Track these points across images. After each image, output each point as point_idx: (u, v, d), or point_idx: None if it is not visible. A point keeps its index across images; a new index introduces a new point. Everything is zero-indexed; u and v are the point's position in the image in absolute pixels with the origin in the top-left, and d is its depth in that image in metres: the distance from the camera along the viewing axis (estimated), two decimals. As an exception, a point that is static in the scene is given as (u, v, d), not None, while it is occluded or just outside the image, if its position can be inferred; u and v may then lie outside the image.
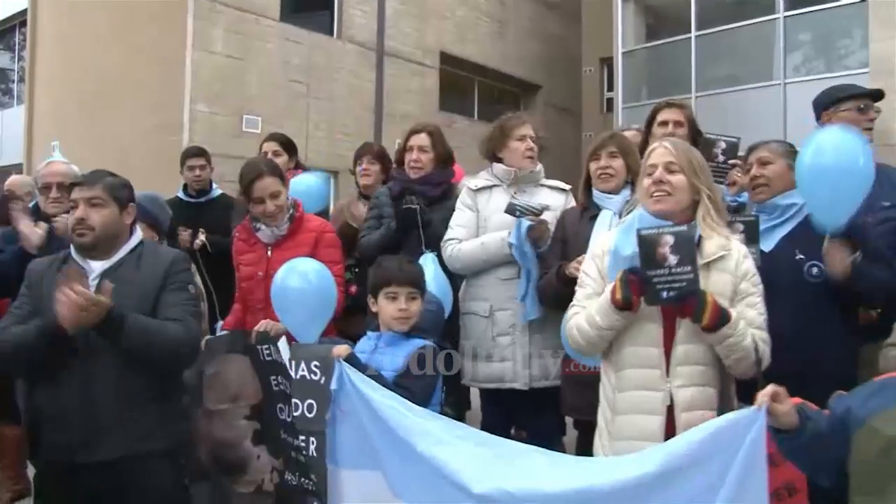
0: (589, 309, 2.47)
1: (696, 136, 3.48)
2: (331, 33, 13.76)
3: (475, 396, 3.89)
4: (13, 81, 18.64)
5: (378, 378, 2.49)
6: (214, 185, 5.28)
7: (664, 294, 2.27)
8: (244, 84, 12.22)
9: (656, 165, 2.47)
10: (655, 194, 2.45)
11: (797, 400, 1.89)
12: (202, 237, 4.67)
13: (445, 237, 3.52)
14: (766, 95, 13.02)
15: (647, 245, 2.28)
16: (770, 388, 1.86)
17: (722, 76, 13.61)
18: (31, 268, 2.82)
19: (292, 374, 2.65)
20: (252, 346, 3.03)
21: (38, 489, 2.81)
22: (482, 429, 3.38)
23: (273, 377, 2.90)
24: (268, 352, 2.94)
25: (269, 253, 3.44)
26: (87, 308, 2.42)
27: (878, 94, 3.29)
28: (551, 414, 3.49)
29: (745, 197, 3.27)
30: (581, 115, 18.85)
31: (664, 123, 3.55)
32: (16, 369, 2.91)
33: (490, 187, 3.52)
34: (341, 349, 2.51)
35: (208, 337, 3.24)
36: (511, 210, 3.24)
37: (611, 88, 17.00)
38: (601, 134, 3.44)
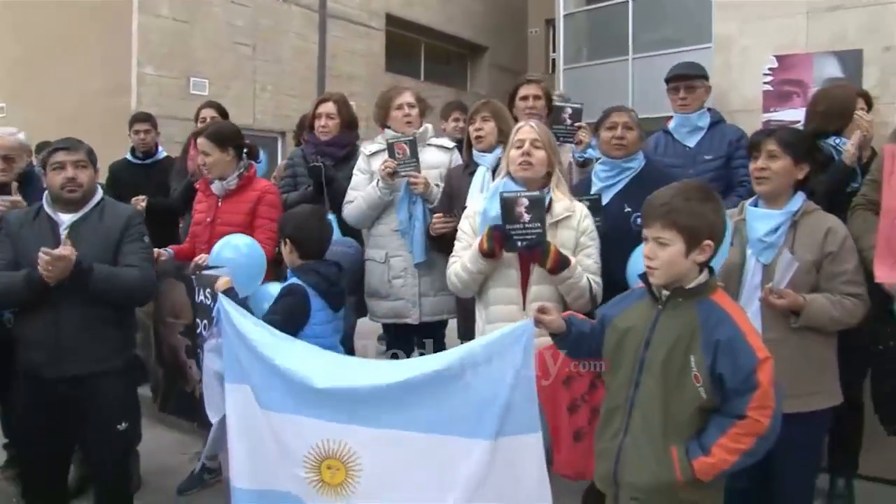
0: (463, 258, 3.14)
1: (550, 107, 4.13)
2: (276, -5, 14.08)
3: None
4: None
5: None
6: (160, 148, 5.81)
7: (519, 244, 2.96)
8: (191, 47, 12.53)
9: (524, 140, 3.14)
10: (521, 164, 3.10)
11: (568, 312, 2.56)
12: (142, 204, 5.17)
13: (345, 199, 4.13)
14: (698, 58, 13.70)
15: (508, 205, 2.95)
16: (537, 304, 2.54)
17: (657, 39, 14.20)
18: (9, 219, 3.43)
19: (196, 299, 3.29)
20: (187, 276, 3.65)
21: (14, 401, 3.43)
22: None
23: (198, 293, 3.49)
24: (194, 282, 3.54)
25: (219, 203, 4.08)
26: (55, 265, 3.02)
27: (681, 77, 3.93)
28: (439, 343, 4.14)
29: (590, 153, 3.91)
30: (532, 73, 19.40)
31: (525, 98, 4.17)
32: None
33: (382, 151, 4.12)
34: (221, 283, 3.12)
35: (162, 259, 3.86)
36: (389, 148, 3.90)
37: (556, 49, 17.56)
38: (477, 102, 4.04)
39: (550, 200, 3.09)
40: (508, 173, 3.18)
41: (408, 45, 17.54)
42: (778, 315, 2.68)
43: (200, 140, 4.05)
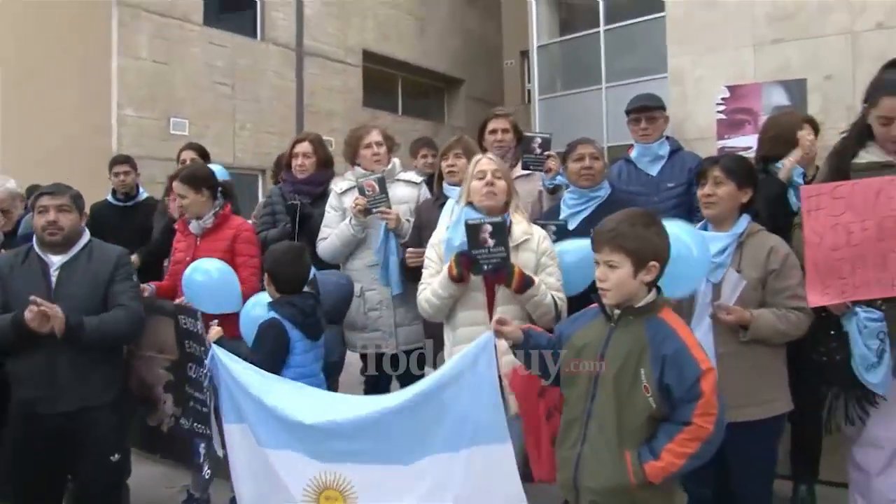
0: (433, 284, 3.32)
1: (520, 138, 4.36)
2: (254, 35, 14.33)
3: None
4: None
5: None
6: (141, 189, 5.96)
7: (485, 267, 3.14)
8: (170, 87, 12.74)
9: (485, 172, 3.33)
10: (486, 194, 3.30)
11: (527, 326, 2.74)
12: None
13: (319, 236, 4.31)
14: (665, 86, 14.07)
15: (473, 231, 3.14)
16: (497, 316, 2.73)
17: (629, 68, 14.54)
18: (0, 259, 3.54)
19: (187, 349, 3.46)
20: (175, 313, 3.79)
21: (9, 437, 3.54)
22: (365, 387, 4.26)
23: (187, 341, 3.66)
24: (184, 321, 3.70)
25: (198, 242, 4.22)
26: (43, 322, 3.20)
27: (642, 108, 4.16)
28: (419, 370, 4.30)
29: (559, 179, 4.11)
30: (503, 106, 19.77)
31: (494, 131, 4.39)
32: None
33: (353, 188, 4.31)
34: (213, 333, 3.32)
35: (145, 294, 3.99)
36: (360, 188, 4.09)
37: (531, 80, 17.93)
38: (451, 139, 4.25)
39: (510, 225, 3.29)
40: (469, 203, 3.37)
41: (385, 80, 17.82)
42: (728, 330, 2.88)
43: (175, 184, 4.20)
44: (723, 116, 4.38)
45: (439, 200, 4.10)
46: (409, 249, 3.93)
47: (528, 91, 18.97)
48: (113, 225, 5.47)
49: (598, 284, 2.46)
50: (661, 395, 2.31)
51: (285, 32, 14.54)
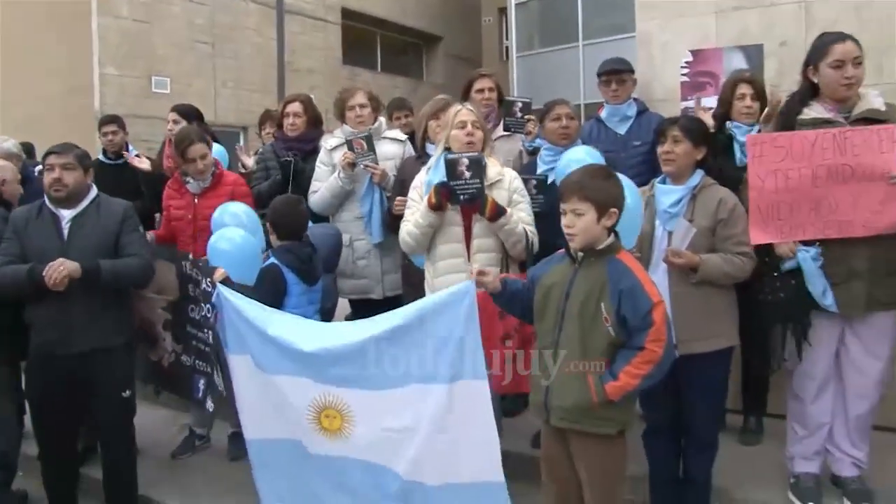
0: (414, 216, 3.66)
1: (501, 98, 4.68)
2: (233, -7, 14.45)
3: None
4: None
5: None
6: (131, 147, 6.19)
7: (462, 196, 3.48)
8: (152, 46, 12.90)
9: (465, 122, 3.65)
10: (467, 142, 3.64)
11: (504, 275, 3.11)
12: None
13: (310, 189, 4.62)
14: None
15: (451, 165, 3.48)
16: (476, 267, 3.09)
17: (606, 25, 14.73)
18: (15, 215, 3.86)
19: (201, 286, 3.80)
20: (178, 259, 4.12)
21: (27, 379, 3.87)
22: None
23: (190, 285, 4.00)
24: (187, 267, 4.03)
25: (196, 200, 4.53)
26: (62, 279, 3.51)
27: (613, 71, 4.50)
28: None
29: (538, 142, 4.43)
30: (482, 64, 19.95)
31: (481, 90, 4.70)
32: (3, 298, 3.83)
33: (342, 145, 4.61)
34: (218, 274, 3.63)
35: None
36: (348, 144, 4.40)
37: (509, 38, 18.11)
38: (437, 98, 4.52)
39: (485, 165, 3.62)
40: (447, 149, 3.69)
41: (364, 38, 18.00)
42: (681, 272, 3.25)
43: (199, 146, 4.49)
44: (686, 79, 4.71)
45: (422, 158, 4.42)
46: (398, 198, 4.24)
47: (507, 48, 19.14)
48: (105, 182, 5.66)
49: (566, 230, 2.81)
50: (619, 325, 2.68)
51: (264, -10, 14.67)
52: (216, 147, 5.12)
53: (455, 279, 3.46)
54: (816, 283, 3.22)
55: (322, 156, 4.68)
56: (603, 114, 4.62)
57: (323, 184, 4.60)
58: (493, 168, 3.65)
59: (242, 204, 4.23)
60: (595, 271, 2.75)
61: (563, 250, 2.91)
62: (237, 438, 4.40)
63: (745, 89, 3.99)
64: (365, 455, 3.35)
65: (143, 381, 4.47)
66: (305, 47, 15.42)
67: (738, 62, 4.55)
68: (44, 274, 3.50)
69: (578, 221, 2.76)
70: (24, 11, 13.05)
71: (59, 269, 3.50)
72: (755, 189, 3.21)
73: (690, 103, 4.56)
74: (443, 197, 3.51)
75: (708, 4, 4.65)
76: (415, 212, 3.70)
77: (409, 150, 4.69)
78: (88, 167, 3.90)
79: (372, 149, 4.42)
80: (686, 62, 4.72)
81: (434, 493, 3.15)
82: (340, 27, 16.53)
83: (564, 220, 2.82)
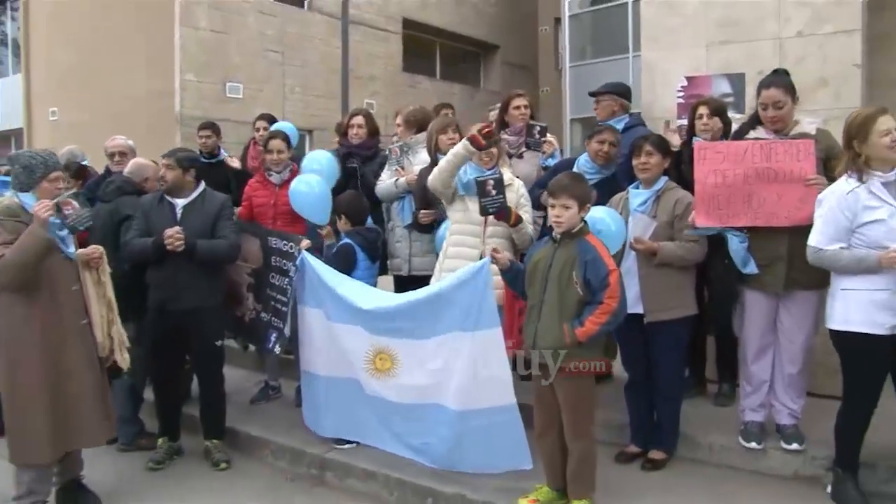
0: (444, 158, 4.70)
1: (532, 115, 5.70)
2: (301, 6, 15.81)
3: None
4: (7, 52, 20.45)
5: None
6: (222, 150, 7.45)
7: (490, 210, 4.47)
8: (227, 55, 14.28)
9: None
10: (485, 159, 4.73)
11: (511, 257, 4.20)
12: None
13: (378, 182, 5.72)
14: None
15: (480, 185, 4.52)
16: (492, 248, 4.18)
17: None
18: (143, 201, 5.12)
19: (284, 248, 5.07)
20: (263, 235, 5.32)
21: (145, 329, 5.12)
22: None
23: (274, 257, 5.19)
24: (274, 241, 5.23)
25: (277, 190, 5.69)
26: (177, 242, 4.75)
27: (594, 94, 5.53)
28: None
29: (549, 162, 5.45)
30: (538, 72, 21.00)
31: (518, 107, 5.74)
32: (133, 261, 5.07)
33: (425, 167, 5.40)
34: (304, 243, 4.88)
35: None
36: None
37: (562, 48, 19.08)
38: (443, 115, 5.59)
39: (501, 175, 4.67)
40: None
41: (423, 47, 19.18)
42: (646, 257, 4.30)
43: (278, 142, 5.70)
44: (681, 100, 5.72)
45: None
46: (423, 212, 5.29)
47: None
48: (201, 178, 6.96)
49: (555, 219, 3.86)
50: (586, 287, 3.75)
51: (331, 2, 15.93)
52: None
53: (468, 252, 4.61)
54: (738, 257, 4.22)
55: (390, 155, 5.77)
56: None
57: (388, 180, 5.66)
58: (506, 175, 4.71)
59: (317, 177, 5.38)
60: (569, 248, 3.83)
61: (547, 237, 4.01)
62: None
63: (703, 110, 4.90)
64: (404, 397, 4.51)
65: (229, 332, 5.68)
66: (367, 56, 16.68)
67: (725, 88, 5.54)
68: (166, 236, 4.74)
69: (566, 213, 3.84)
70: (116, 22, 14.63)
71: (178, 234, 4.75)
72: (699, 184, 4.23)
73: (684, 121, 5.56)
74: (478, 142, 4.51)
75: (700, 38, 5.66)
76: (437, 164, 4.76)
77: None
78: (187, 167, 5.03)
79: (401, 157, 5.56)
80: (681, 87, 5.74)
81: (459, 416, 4.27)
82: (401, 37, 17.73)
83: (554, 212, 3.88)
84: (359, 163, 5.88)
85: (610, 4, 17.23)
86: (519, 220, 4.58)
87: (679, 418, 4.58)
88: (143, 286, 5.07)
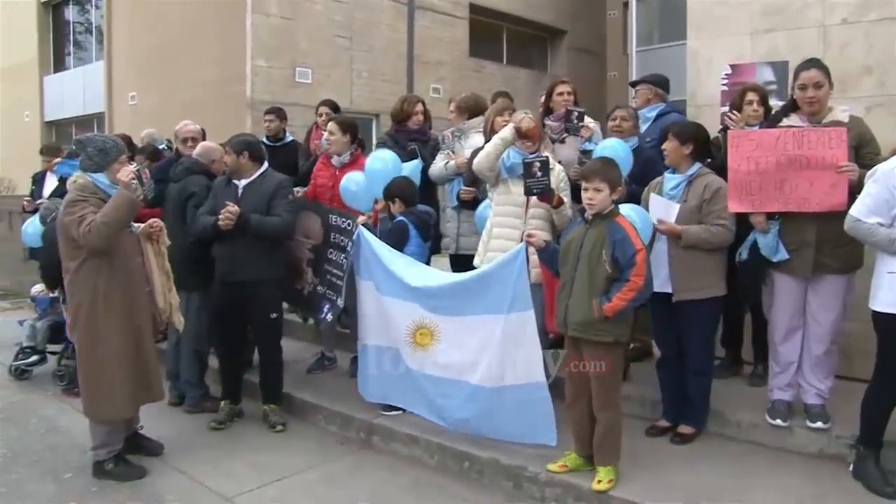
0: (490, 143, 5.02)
1: (576, 101, 5.93)
2: (369, -9, 16.14)
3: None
4: (91, 40, 21.45)
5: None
6: (287, 133, 7.88)
7: (534, 190, 4.73)
8: (296, 41, 14.73)
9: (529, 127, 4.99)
10: (527, 144, 4.99)
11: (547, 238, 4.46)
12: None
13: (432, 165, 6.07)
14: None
15: (527, 166, 4.78)
16: (527, 233, 4.44)
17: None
18: (215, 182, 5.60)
19: (342, 224, 5.47)
20: (324, 213, 5.71)
21: (211, 300, 5.61)
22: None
23: (333, 234, 5.56)
24: (334, 219, 5.60)
25: (337, 172, 6.06)
26: (230, 218, 5.15)
27: (633, 83, 5.74)
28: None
29: (587, 145, 5.65)
30: (605, 57, 21.00)
31: (561, 93, 5.98)
32: (199, 237, 5.52)
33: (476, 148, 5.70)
34: (360, 219, 5.26)
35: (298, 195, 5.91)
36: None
37: (629, 33, 19.01)
38: (501, 100, 5.87)
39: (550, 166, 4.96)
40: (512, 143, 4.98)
41: (490, 31, 19.36)
42: (675, 239, 4.51)
43: (331, 124, 6.09)
44: (725, 88, 5.87)
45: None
46: (463, 189, 5.66)
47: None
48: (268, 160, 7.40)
49: (588, 201, 4.11)
50: (614, 265, 3.99)
51: (397, -12, 16.28)
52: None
53: (510, 233, 4.89)
54: (767, 250, 4.41)
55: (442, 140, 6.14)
56: None
57: (441, 163, 6.03)
58: (549, 160, 4.98)
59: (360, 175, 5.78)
60: (600, 229, 4.08)
61: (580, 218, 4.27)
62: (356, 362, 5.87)
63: (752, 96, 5.10)
64: (441, 371, 4.85)
65: (289, 304, 6.10)
66: (434, 41, 16.95)
67: (768, 75, 5.68)
68: (220, 213, 5.19)
69: (598, 196, 4.09)
70: (191, 9, 15.26)
71: (230, 210, 5.17)
72: (732, 171, 4.41)
73: (726, 108, 5.71)
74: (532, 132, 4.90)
75: (744, 27, 5.79)
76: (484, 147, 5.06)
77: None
78: (240, 151, 5.42)
79: (453, 142, 5.89)
80: (725, 74, 5.89)
81: (490, 393, 4.59)
82: (468, 21, 17.96)
83: (587, 195, 4.13)
84: (419, 147, 6.21)
85: (678, -11, 17.12)
86: (561, 202, 4.84)
87: (709, 395, 4.79)
88: (210, 259, 5.51)
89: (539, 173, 4.69)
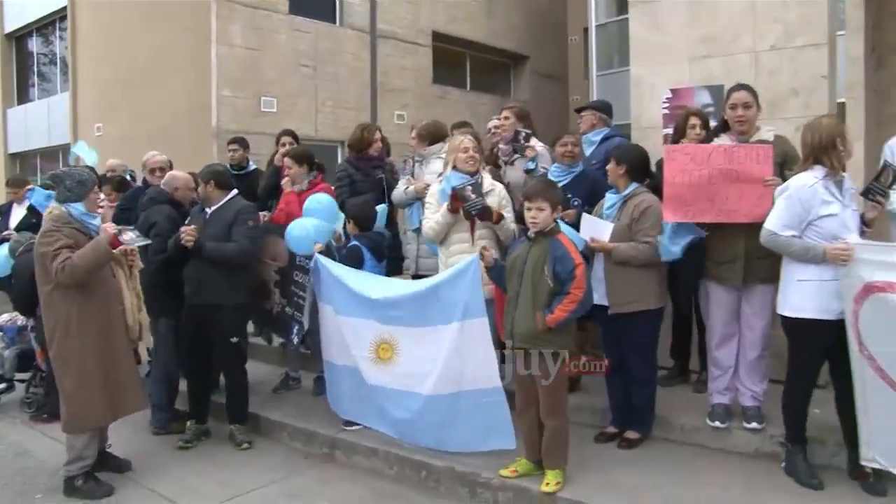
0: (436, 216, 5.30)
1: (521, 119, 6.24)
2: (333, 21, 16.42)
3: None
4: (55, 71, 21.57)
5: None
6: (251, 162, 8.15)
7: (472, 212, 5.09)
8: (261, 70, 14.96)
9: (469, 147, 5.30)
10: (469, 162, 5.30)
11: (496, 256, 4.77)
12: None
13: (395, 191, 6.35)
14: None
15: (459, 193, 5.09)
16: (483, 245, 4.74)
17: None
18: (192, 210, 5.90)
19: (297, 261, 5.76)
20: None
21: (180, 318, 5.84)
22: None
23: (298, 256, 5.83)
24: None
25: (297, 197, 6.34)
26: (189, 239, 5.44)
27: (577, 110, 6.12)
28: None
29: (529, 165, 5.96)
30: (567, 81, 21.50)
31: (505, 118, 6.31)
32: (167, 258, 5.73)
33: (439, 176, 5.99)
34: (317, 248, 5.50)
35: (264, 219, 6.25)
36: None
37: (589, 57, 19.53)
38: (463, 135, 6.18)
39: (482, 181, 5.27)
40: (454, 167, 5.32)
41: (453, 59, 19.70)
42: (608, 256, 4.83)
43: (287, 159, 6.41)
44: (666, 111, 6.24)
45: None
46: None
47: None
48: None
49: (531, 220, 4.42)
50: (555, 279, 4.29)
51: (361, 17, 16.58)
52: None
53: (462, 257, 5.12)
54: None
55: (417, 170, 6.38)
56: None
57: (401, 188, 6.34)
58: (487, 181, 5.32)
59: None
60: (542, 246, 4.38)
61: (523, 236, 4.57)
62: (320, 381, 6.20)
63: (695, 120, 5.48)
64: (399, 384, 5.09)
65: (256, 325, 6.37)
66: (398, 69, 17.28)
67: (706, 99, 6.05)
68: (181, 233, 5.49)
69: (541, 214, 4.40)
70: (156, 40, 15.48)
71: (190, 232, 5.46)
72: (668, 183, 4.75)
73: (670, 130, 6.08)
74: (454, 200, 5.14)
75: (683, 54, 6.18)
76: (434, 212, 5.35)
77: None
78: (207, 180, 5.75)
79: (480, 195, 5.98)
80: (666, 98, 6.26)
81: (448, 399, 4.84)
82: (431, 49, 18.32)
83: (530, 214, 4.44)
84: (387, 176, 6.50)
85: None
86: (501, 217, 5.15)
87: (654, 402, 5.11)
88: (177, 286, 5.76)
89: (473, 195, 5.04)
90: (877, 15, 11.30)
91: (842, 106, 12.56)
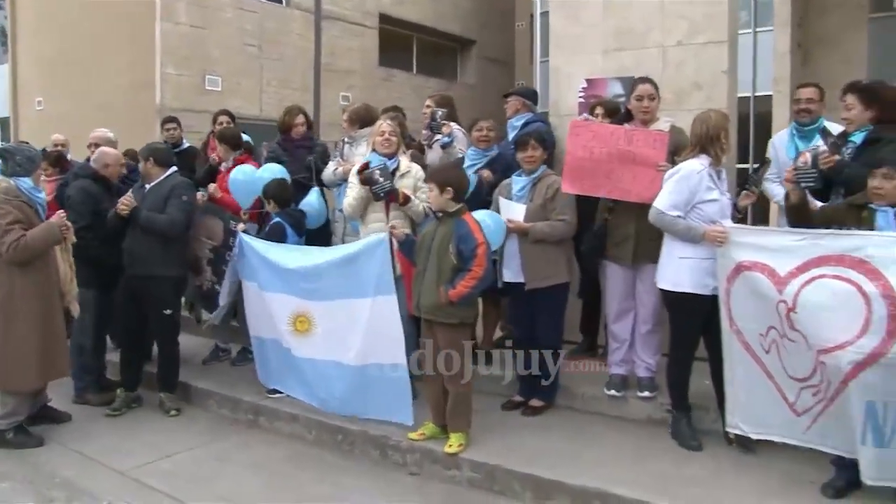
0: (353, 193, 5.52)
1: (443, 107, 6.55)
2: (280, 1, 16.58)
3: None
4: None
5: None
6: (185, 140, 8.38)
7: (380, 194, 5.37)
8: (206, 49, 15.05)
9: (385, 131, 5.59)
10: (384, 144, 5.58)
11: (408, 232, 5.10)
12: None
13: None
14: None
15: (368, 177, 5.35)
16: (391, 223, 5.07)
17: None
18: (134, 186, 6.09)
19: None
20: (226, 219, 6.34)
21: (102, 296, 6.11)
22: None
23: (231, 238, 6.14)
24: (233, 224, 6.20)
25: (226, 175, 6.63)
26: (127, 205, 5.68)
27: (506, 95, 6.50)
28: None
29: (444, 140, 6.18)
30: (514, 66, 21.86)
31: (427, 107, 6.62)
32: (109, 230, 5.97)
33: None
34: (240, 227, 5.84)
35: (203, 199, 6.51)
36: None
37: (534, 45, 19.92)
38: (386, 121, 6.46)
39: (399, 165, 5.56)
40: (374, 150, 5.61)
41: (400, 41, 19.95)
42: (524, 235, 5.19)
43: (213, 140, 6.69)
44: (582, 100, 6.61)
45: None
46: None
47: (536, 52, 20.92)
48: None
49: (427, 200, 4.79)
50: (459, 257, 4.64)
51: (308, -2, 16.75)
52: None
53: (378, 229, 5.40)
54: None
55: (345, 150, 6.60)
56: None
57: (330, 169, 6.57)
58: (404, 163, 5.61)
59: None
60: (448, 225, 4.73)
61: (433, 215, 4.94)
62: (244, 352, 6.59)
63: (599, 110, 5.87)
64: (320, 354, 5.41)
65: (188, 300, 6.64)
66: (344, 50, 17.47)
67: (618, 89, 6.42)
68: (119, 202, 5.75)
69: (431, 195, 4.76)
70: (100, 15, 15.43)
71: (125, 201, 5.71)
72: (569, 155, 5.15)
73: (585, 117, 6.43)
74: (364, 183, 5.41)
75: (597, 46, 6.54)
76: (353, 189, 5.61)
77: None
78: (146, 157, 6.05)
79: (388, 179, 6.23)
80: (582, 88, 6.63)
81: (359, 370, 5.19)
82: (378, 31, 18.54)
83: (429, 195, 4.80)
84: (315, 158, 6.76)
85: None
86: (407, 199, 5.44)
87: (558, 372, 5.48)
88: (102, 259, 6.02)
89: (381, 179, 5.34)
90: (803, 11, 11.89)
91: (769, 99, 13.25)
